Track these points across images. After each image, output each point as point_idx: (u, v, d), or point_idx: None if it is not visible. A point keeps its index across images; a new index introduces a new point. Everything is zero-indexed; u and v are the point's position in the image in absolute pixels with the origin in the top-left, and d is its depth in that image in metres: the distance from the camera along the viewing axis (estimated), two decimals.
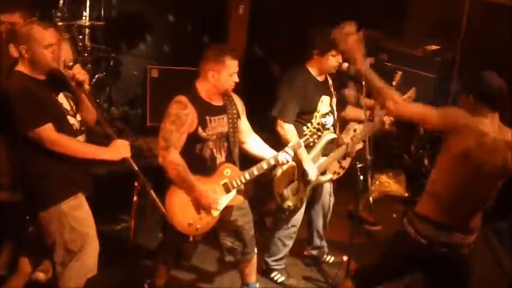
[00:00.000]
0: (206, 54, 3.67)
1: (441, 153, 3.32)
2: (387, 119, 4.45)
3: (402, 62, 6.09)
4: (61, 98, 3.41)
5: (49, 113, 3.24)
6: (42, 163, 3.28)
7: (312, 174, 4.13)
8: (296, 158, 4.03)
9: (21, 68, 3.30)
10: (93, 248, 3.49)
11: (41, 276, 3.95)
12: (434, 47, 6.10)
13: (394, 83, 4.69)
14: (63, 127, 3.32)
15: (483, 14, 5.68)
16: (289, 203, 4.19)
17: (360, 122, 4.40)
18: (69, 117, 3.40)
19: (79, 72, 3.32)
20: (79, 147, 3.36)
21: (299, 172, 4.16)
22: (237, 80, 3.69)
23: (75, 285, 3.45)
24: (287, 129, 4.11)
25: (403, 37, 6.74)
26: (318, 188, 4.44)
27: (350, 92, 4.84)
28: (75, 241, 3.39)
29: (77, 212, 3.39)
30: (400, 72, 4.78)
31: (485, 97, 3.23)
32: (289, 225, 4.39)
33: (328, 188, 4.52)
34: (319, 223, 4.59)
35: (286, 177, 4.17)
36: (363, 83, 4.05)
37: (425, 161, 5.55)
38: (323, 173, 4.29)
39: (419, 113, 3.36)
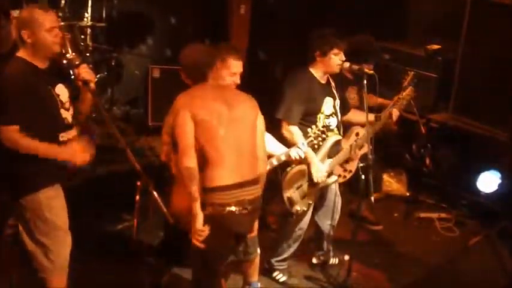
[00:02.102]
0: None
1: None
2: (395, 112, 4.40)
3: (404, 61, 6.08)
4: (59, 88, 3.35)
5: (40, 107, 3.18)
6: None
7: (320, 176, 4.14)
8: (306, 161, 4.04)
9: (22, 54, 3.25)
10: (65, 242, 3.44)
11: None
12: (436, 47, 6.08)
13: (405, 83, 4.66)
14: (53, 121, 3.29)
15: (484, 13, 5.67)
16: (297, 207, 4.18)
17: (363, 125, 4.37)
18: (62, 110, 3.34)
19: (85, 72, 3.30)
20: (37, 148, 3.22)
21: (307, 175, 4.16)
22: (238, 81, 3.67)
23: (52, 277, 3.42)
24: (293, 132, 4.08)
25: (405, 37, 6.74)
26: (323, 190, 4.43)
27: (351, 95, 4.81)
28: (47, 233, 3.34)
29: (53, 202, 3.35)
30: (412, 72, 4.71)
31: (191, 70, 3.53)
32: (297, 229, 4.37)
33: (334, 189, 4.50)
34: (327, 224, 4.57)
35: (295, 181, 4.16)
36: (365, 83, 4.07)
37: (427, 161, 5.54)
38: (329, 175, 4.29)
39: None
